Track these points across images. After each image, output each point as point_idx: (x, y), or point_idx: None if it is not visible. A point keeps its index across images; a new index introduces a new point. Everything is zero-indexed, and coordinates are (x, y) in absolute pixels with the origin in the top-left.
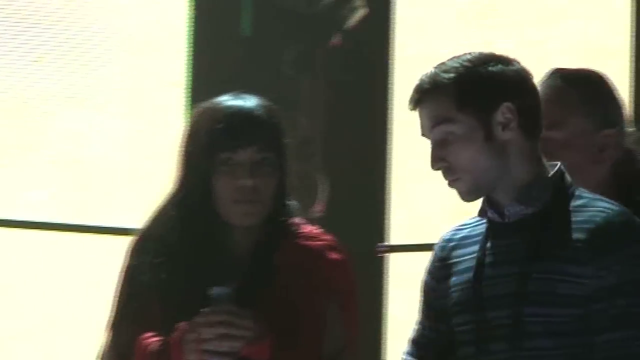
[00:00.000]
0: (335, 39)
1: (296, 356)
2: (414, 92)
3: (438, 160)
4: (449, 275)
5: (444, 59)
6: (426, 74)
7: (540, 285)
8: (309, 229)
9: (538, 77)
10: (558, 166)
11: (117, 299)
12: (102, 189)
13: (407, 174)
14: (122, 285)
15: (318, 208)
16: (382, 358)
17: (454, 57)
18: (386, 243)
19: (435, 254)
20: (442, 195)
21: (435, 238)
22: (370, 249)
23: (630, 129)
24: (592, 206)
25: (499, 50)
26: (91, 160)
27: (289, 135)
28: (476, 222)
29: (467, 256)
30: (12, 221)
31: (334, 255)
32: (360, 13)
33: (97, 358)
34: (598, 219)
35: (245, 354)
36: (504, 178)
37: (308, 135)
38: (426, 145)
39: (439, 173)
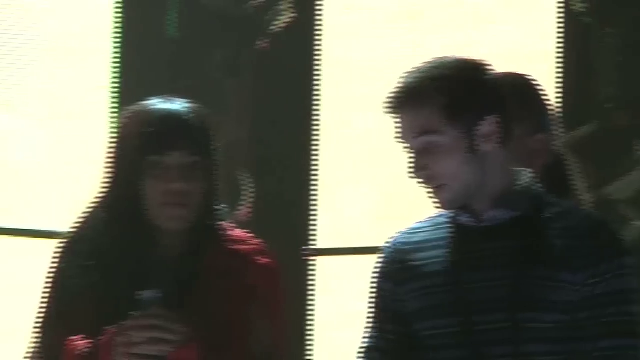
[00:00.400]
0: (263, 42)
1: (224, 358)
2: (396, 97)
3: (419, 169)
4: (410, 279)
5: (374, 62)
6: (409, 79)
7: (533, 291)
8: (238, 233)
9: None
10: (530, 173)
11: (45, 301)
12: (26, 192)
13: (332, 177)
14: (51, 288)
15: (245, 212)
16: None
17: (435, 61)
18: (312, 247)
19: (390, 256)
20: (367, 199)
21: (360, 242)
22: (297, 252)
23: (558, 133)
24: (573, 213)
25: (426, 54)
26: (15, 164)
27: (217, 139)
28: (430, 226)
29: (431, 260)
30: None
31: (262, 260)
32: (287, 16)
33: None
34: (585, 226)
35: (173, 358)
36: (483, 187)
37: (235, 139)
38: (351, 149)
39: (365, 177)
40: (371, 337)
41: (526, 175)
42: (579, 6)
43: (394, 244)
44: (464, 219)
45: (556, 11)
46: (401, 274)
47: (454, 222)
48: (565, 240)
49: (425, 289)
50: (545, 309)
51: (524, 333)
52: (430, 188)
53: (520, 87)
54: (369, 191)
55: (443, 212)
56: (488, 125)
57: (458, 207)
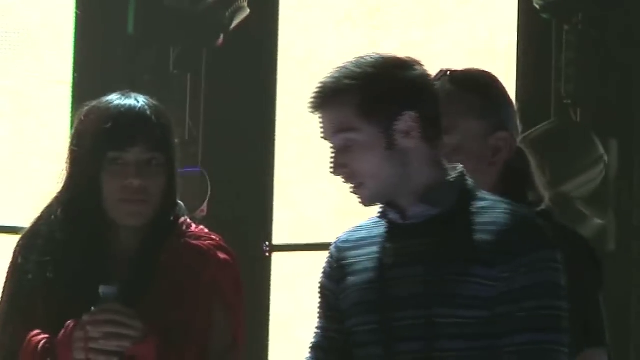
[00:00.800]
0: (220, 39)
1: (182, 356)
2: (315, 96)
3: (339, 167)
4: (346, 276)
5: (331, 58)
6: (328, 77)
7: (447, 287)
8: (196, 228)
9: None
10: (460, 169)
11: (2, 298)
12: None
13: (290, 174)
14: (8, 284)
15: (202, 208)
16: (266, 356)
17: (356, 60)
18: (269, 243)
19: (332, 255)
20: (325, 196)
21: (318, 238)
22: (255, 248)
23: (519, 129)
24: (496, 208)
25: (383, 51)
26: None
27: (175, 135)
28: (373, 223)
29: (364, 257)
30: None
31: (221, 255)
32: (244, 14)
33: None
34: (504, 220)
35: (131, 353)
36: (406, 183)
37: (193, 135)
38: (310, 146)
39: (324, 174)
40: (315, 335)
41: (456, 171)
42: (537, 3)
43: (336, 242)
44: (391, 215)
45: (515, 8)
46: (339, 272)
47: (385, 219)
48: (483, 235)
49: (355, 286)
50: (460, 305)
51: (438, 329)
52: (350, 186)
53: (483, 84)
54: (326, 188)
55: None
56: (405, 122)
57: (380, 204)
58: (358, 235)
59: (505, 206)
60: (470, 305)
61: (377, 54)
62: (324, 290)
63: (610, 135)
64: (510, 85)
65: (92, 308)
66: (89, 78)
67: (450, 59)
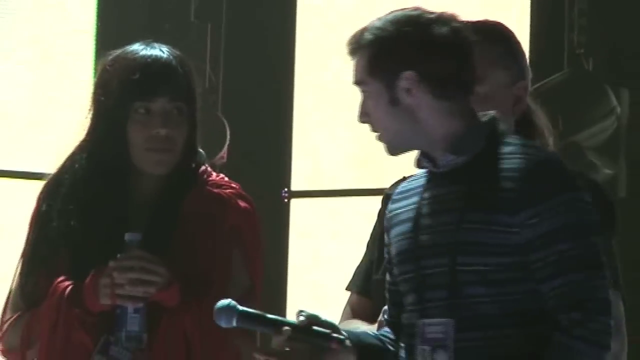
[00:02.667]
0: None
1: (204, 302)
2: (347, 44)
3: (362, 115)
4: (392, 227)
5: (348, 9)
6: (360, 29)
7: (471, 235)
8: (217, 177)
9: None
10: (490, 115)
11: (26, 244)
12: (13, 133)
13: (309, 122)
14: (32, 231)
15: (222, 154)
16: (285, 300)
17: (387, 14)
18: (288, 189)
19: (387, 207)
20: (343, 143)
21: (336, 185)
22: (274, 195)
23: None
24: (520, 153)
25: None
26: (2, 106)
27: (197, 84)
28: (422, 174)
29: (407, 207)
30: None
31: (241, 203)
32: None
33: (6, 303)
34: (527, 166)
35: (155, 298)
36: (422, 137)
37: (212, 84)
38: (328, 94)
39: (341, 122)
40: (386, 290)
41: (485, 117)
42: None
43: (392, 193)
44: (425, 164)
45: None
46: (388, 224)
47: (425, 168)
48: (506, 182)
49: (398, 236)
50: (482, 252)
51: (460, 276)
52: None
53: (505, 35)
54: (344, 136)
55: None
56: (405, 80)
57: (400, 154)
58: (407, 186)
59: (530, 150)
60: (493, 253)
61: (407, 10)
62: (384, 245)
63: (622, 85)
64: (524, 36)
65: (118, 255)
66: (111, 27)
67: (465, 8)
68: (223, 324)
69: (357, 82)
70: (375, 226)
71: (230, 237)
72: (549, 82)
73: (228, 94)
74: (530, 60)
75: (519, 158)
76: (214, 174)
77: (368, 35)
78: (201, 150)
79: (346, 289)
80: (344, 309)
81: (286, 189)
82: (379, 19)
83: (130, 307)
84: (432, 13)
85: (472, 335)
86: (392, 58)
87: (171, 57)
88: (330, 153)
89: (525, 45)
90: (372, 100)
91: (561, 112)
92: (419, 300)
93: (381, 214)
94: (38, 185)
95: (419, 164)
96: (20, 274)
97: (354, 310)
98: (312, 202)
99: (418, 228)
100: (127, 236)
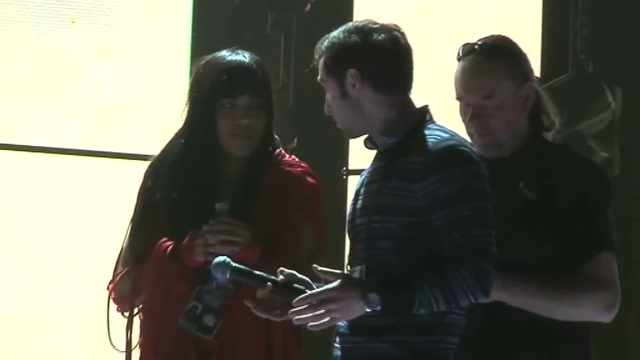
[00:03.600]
0: (307, 7)
1: (279, 260)
2: (314, 51)
3: (327, 106)
4: None
5: (395, 19)
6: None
7: (385, 199)
8: (289, 158)
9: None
10: (423, 108)
11: (134, 212)
12: (122, 123)
13: None
14: (139, 201)
15: (293, 141)
16: (343, 258)
17: (346, 25)
18: (346, 168)
19: None
20: None
21: None
22: (335, 172)
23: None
24: (433, 135)
25: (438, 15)
26: (110, 100)
27: (273, 84)
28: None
29: (360, 179)
30: (49, 148)
31: (309, 179)
32: None
33: (117, 259)
34: (432, 145)
35: (240, 256)
36: (366, 123)
37: (285, 83)
38: None
39: None
40: None
41: (417, 109)
42: None
43: None
44: (369, 145)
45: None
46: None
47: (368, 147)
48: (416, 158)
49: (350, 201)
50: (391, 213)
51: (372, 232)
52: None
53: (508, 49)
54: None
55: None
56: (350, 77)
57: (354, 137)
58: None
59: (437, 132)
60: (398, 213)
61: (357, 21)
62: None
63: (616, 85)
64: (537, 43)
65: (209, 221)
66: (203, 37)
67: (490, 23)
68: (219, 276)
69: (321, 80)
70: None
71: (300, 207)
72: (557, 82)
73: (298, 91)
74: (541, 64)
75: (431, 139)
76: (287, 155)
77: (326, 42)
78: (276, 137)
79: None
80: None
81: (345, 168)
82: (339, 29)
83: None
84: (376, 24)
85: (375, 275)
86: (340, 59)
87: (252, 61)
88: None
89: (538, 52)
90: (330, 94)
91: (566, 106)
92: (352, 252)
93: None
94: (144, 165)
95: (365, 145)
96: (130, 235)
97: None
98: None
99: (357, 195)
100: (217, 205)
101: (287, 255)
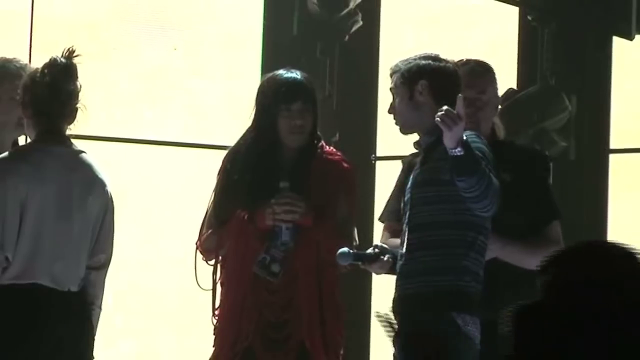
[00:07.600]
0: (346, 38)
1: (325, 224)
2: (390, 69)
3: (391, 107)
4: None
5: (416, 50)
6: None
7: (422, 178)
8: (330, 149)
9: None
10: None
11: (216, 189)
12: (208, 121)
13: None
14: (220, 181)
15: (336, 135)
16: (372, 231)
17: (417, 54)
18: (374, 155)
19: (408, 166)
20: None
21: (410, 151)
22: (365, 158)
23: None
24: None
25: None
26: (203, 106)
27: (318, 94)
28: None
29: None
30: (157, 141)
31: (345, 165)
32: (359, 24)
33: (202, 222)
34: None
35: (298, 222)
36: (420, 123)
37: (330, 93)
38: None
39: None
40: None
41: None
42: (531, 15)
43: (410, 159)
44: (416, 147)
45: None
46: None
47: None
48: (441, 154)
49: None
50: (425, 185)
51: (415, 201)
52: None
53: (489, 67)
54: None
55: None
56: (420, 86)
57: (408, 134)
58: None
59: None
60: (431, 185)
61: (427, 53)
62: (404, 190)
63: (572, 93)
64: (514, 63)
65: (275, 195)
66: (272, 59)
67: (481, 51)
68: (342, 262)
69: (393, 87)
70: (400, 176)
71: (339, 186)
72: (528, 91)
73: (339, 100)
74: (517, 77)
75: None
76: (328, 147)
77: (402, 63)
78: (319, 133)
79: (379, 220)
80: (382, 234)
81: (374, 155)
82: (410, 57)
83: (283, 226)
84: (437, 55)
85: (415, 235)
86: (415, 72)
87: (303, 78)
88: None
89: (515, 69)
90: (399, 99)
91: (535, 109)
92: (405, 220)
93: (405, 169)
94: (223, 153)
95: (414, 145)
96: (212, 205)
97: (391, 233)
98: (393, 163)
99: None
100: (281, 184)
101: (331, 220)
